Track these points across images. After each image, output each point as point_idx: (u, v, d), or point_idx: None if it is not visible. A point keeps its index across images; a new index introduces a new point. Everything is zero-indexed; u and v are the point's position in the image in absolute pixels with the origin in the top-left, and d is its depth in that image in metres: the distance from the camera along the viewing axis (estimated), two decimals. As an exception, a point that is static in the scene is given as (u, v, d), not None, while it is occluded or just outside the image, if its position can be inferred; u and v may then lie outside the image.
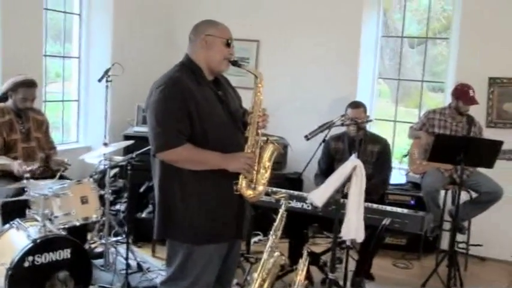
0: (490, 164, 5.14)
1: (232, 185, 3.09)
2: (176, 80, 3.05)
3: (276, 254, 3.58)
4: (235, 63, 3.21)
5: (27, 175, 4.33)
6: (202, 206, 3.09)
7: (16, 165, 4.66)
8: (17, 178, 4.61)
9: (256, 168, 3.10)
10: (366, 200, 3.80)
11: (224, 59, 3.18)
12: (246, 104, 3.36)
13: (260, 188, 3.12)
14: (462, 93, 5.74)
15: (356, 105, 5.41)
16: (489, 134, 5.79)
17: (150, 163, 3.23)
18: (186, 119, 2.99)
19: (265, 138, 3.18)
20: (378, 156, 5.30)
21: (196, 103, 3.01)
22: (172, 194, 3.09)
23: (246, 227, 3.36)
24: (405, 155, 6.21)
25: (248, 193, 3.10)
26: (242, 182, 3.09)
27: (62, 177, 4.91)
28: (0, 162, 4.65)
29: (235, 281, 4.58)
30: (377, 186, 5.22)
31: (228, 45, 3.19)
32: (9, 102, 4.99)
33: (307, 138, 4.56)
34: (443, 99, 6.70)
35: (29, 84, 4.98)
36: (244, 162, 3.04)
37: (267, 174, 3.15)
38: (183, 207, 3.08)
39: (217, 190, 3.11)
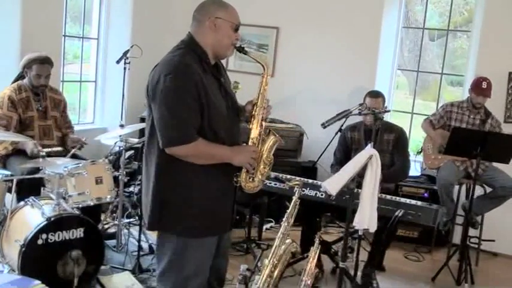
0: (507, 159, 5.11)
1: (230, 177, 3.03)
2: (187, 66, 2.88)
3: (288, 241, 3.58)
4: (241, 50, 3.08)
5: (43, 153, 4.34)
6: (201, 199, 2.99)
7: (31, 145, 4.68)
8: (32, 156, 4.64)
9: (258, 161, 3.05)
10: (384, 189, 3.79)
11: (231, 44, 3.06)
12: (249, 90, 3.30)
13: (258, 179, 3.06)
14: (475, 84, 5.72)
15: (375, 94, 5.37)
16: (508, 129, 5.74)
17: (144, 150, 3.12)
18: (198, 111, 2.87)
19: (267, 129, 3.11)
20: (393, 145, 5.28)
21: (207, 94, 2.88)
22: (169, 185, 2.97)
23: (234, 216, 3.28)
24: (419, 152, 6.18)
25: (248, 185, 3.05)
26: (243, 175, 3.03)
27: (77, 157, 4.95)
28: (16, 139, 4.67)
29: (245, 266, 4.58)
30: (397, 173, 5.21)
31: (236, 30, 3.07)
32: (26, 80, 5.03)
33: (324, 126, 4.55)
34: (462, 94, 6.65)
35: (42, 61, 5.00)
36: (249, 156, 2.99)
37: (267, 167, 3.09)
38: (181, 200, 2.97)
39: (217, 183, 3.03)
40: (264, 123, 3.09)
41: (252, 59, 3.17)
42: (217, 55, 3.08)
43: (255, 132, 3.06)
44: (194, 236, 3.02)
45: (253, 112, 3.08)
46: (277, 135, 3.12)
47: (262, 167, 3.07)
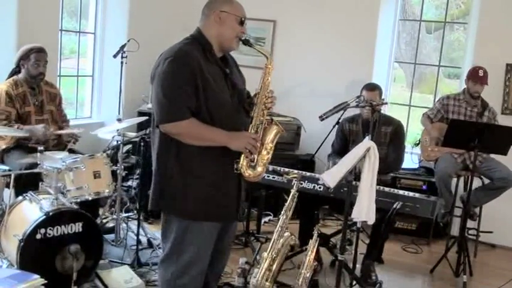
0: (504, 151, 5.11)
1: (232, 163, 3.07)
2: (186, 52, 3.01)
3: (286, 234, 3.59)
4: (246, 42, 3.16)
5: (40, 148, 4.33)
6: (200, 181, 3.05)
7: (40, 128, 4.72)
8: (30, 150, 4.64)
9: (258, 148, 3.07)
10: (379, 180, 3.79)
11: (236, 37, 3.15)
12: (255, 83, 3.31)
13: (260, 168, 3.08)
14: (472, 73, 5.73)
15: (371, 87, 5.35)
16: (505, 121, 5.75)
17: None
18: (193, 93, 2.96)
19: (269, 118, 3.14)
20: (391, 137, 5.27)
21: (204, 79, 2.97)
22: (169, 167, 3.06)
23: (242, 209, 3.30)
24: (417, 144, 6.18)
25: (248, 173, 3.06)
26: (243, 161, 3.05)
27: (73, 152, 4.94)
28: (19, 134, 4.66)
29: (244, 259, 4.60)
30: (391, 165, 5.20)
31: (242, 23, 3.15)
32: (22, 74, 5.01)
33: (321, 118, 4.55)
34: (459, 86, 6.64)
35: (39, 50, 5.00)
36: (247, 141, 3.01)
37: (269, 156, 3.12)
38: (181, 182, 3.04)
39: (217, 167, 3.07)
40: (266, 112, 3.12)
41: (256, 51, 3.23)
42: (222, 47, 3.18)
43: (256, 119, 3.10)
44: (194, 219, 3.08)
45: (255, 100, 3.13)
46: (280, 126, 3.15)
47: (263, 155, 3.10)
